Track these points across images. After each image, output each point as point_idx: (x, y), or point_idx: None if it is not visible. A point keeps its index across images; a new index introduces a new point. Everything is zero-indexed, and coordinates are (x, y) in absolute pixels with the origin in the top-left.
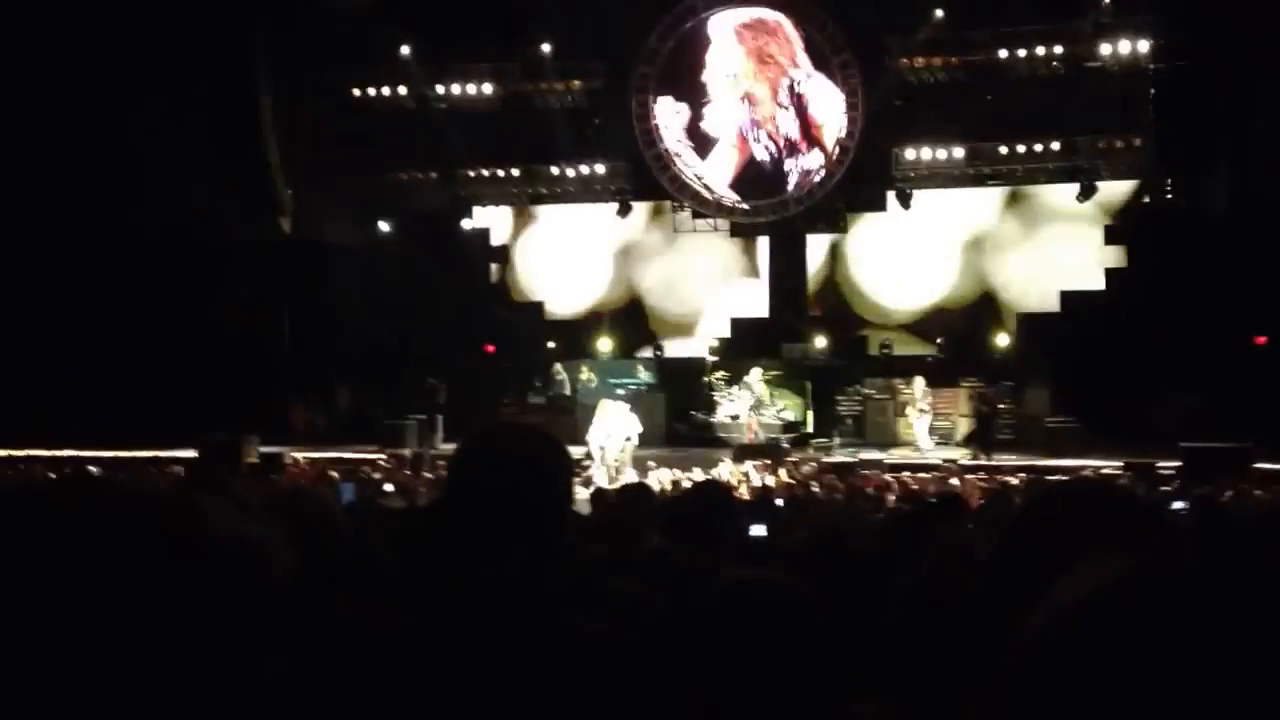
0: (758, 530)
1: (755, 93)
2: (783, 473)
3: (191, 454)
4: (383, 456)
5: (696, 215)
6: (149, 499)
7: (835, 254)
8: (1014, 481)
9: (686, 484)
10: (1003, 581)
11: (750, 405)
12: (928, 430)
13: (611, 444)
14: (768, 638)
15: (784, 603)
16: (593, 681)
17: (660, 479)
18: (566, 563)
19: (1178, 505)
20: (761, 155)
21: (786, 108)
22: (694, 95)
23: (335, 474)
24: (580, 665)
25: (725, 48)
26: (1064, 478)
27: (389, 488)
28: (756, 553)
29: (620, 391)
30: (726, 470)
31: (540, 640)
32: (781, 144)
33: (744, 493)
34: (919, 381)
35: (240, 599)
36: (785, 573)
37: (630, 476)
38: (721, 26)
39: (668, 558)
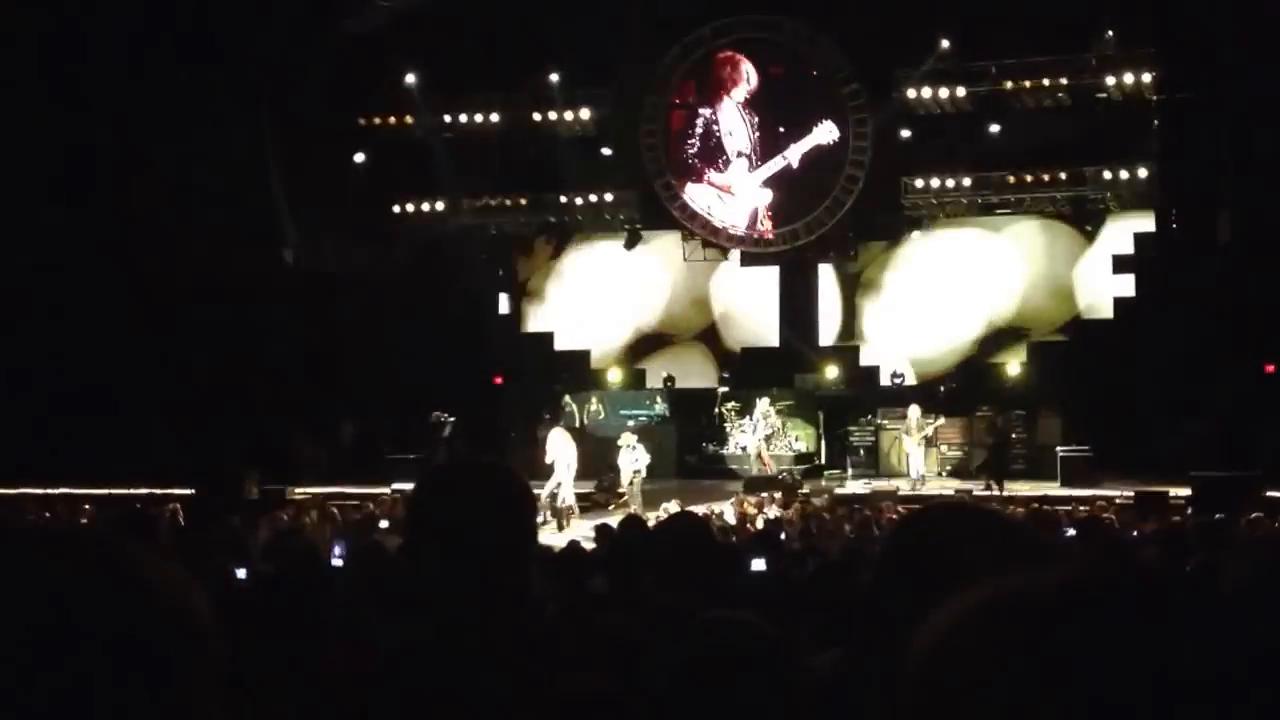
0: (758, 565)
1: (764, 122)
2: (794, 506)
3: (190, 491)
4: (387, 492)
5: (706, 245)
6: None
7: (846, 283)
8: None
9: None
10: (882, 599)
11: (766, 436)
12: (922, 460)
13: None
14: (732, 682)
15: (752, 645)
16: None
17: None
18: (526, 606)
19: (1069, 532)
20: (772, 182)
21: (795, 137)
22: (705, 123)
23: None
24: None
25: (735, 77)
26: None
27: (384, 524)
28: (755, 589)
29: (630, 423)
30: (728, 507)
31: (489, 693)
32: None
33: (758, 524)
34: (914, 410)
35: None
36: (785, 609)
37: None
38: (731, 56)
39: (655, 596)
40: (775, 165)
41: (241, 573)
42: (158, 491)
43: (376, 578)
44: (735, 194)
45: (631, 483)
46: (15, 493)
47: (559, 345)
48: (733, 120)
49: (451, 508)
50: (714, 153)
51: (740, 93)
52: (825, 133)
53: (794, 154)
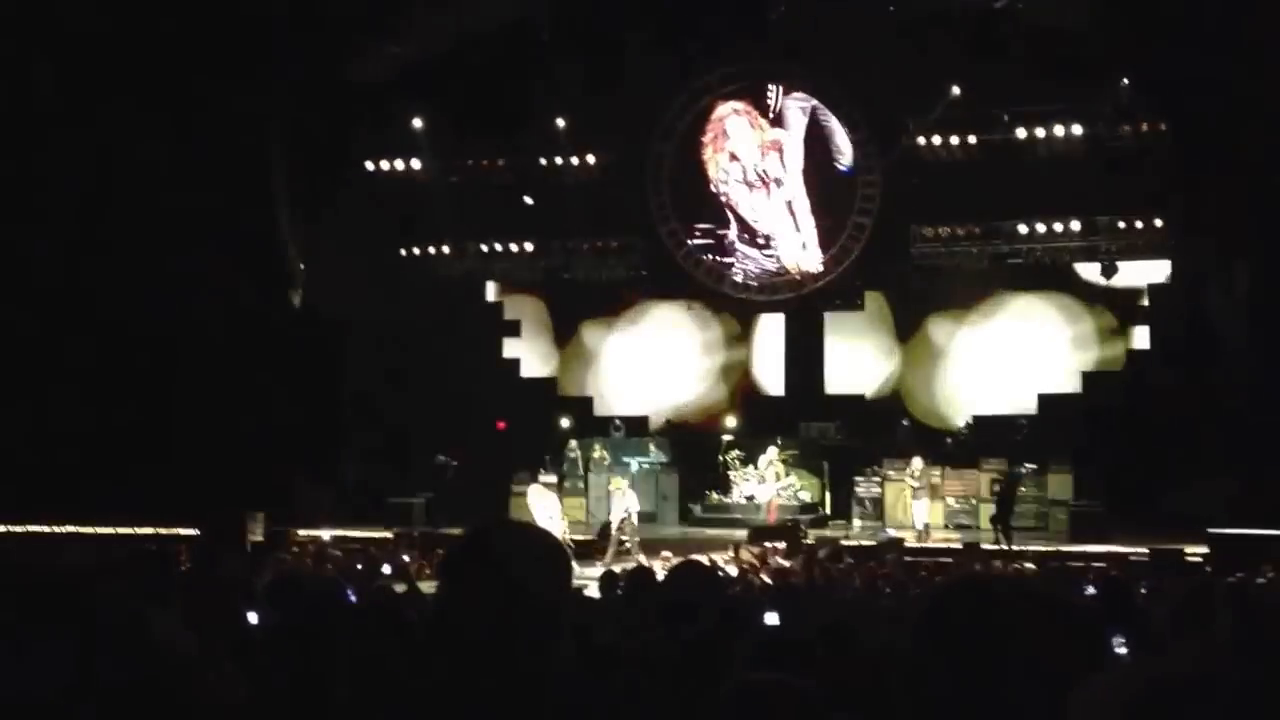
0: (771, 619)
1: (769, 169)
2: (798, 557)
3: (194, 531)
4: (389, 535)
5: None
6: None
7: (853, 332)
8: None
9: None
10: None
11: (780, 487)
12: (926, 511)
13: (613, 523)
14: None
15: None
16: None
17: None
18: (564, 673)
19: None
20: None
21: (802, 184)
22: (713, 171)
23: (338, 553)
24: None
25: (742, 125)
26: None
27: (386, 569)
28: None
29: (627, 463)
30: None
31: None
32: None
33: (762, 576)
34: (916, 461)
35: None
36: (798, 668)
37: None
38: (737, 104)
39: (668, 649)
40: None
41: (253, 617)
42: (163, 531)
43: (388, 626)
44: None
45: (621, 528)
46: (22, 530)
47: (562, 391)
48: (738, 167)
49: (489, 574)
50: (724, 202)
51: (748, 139)
52: (831, 179)
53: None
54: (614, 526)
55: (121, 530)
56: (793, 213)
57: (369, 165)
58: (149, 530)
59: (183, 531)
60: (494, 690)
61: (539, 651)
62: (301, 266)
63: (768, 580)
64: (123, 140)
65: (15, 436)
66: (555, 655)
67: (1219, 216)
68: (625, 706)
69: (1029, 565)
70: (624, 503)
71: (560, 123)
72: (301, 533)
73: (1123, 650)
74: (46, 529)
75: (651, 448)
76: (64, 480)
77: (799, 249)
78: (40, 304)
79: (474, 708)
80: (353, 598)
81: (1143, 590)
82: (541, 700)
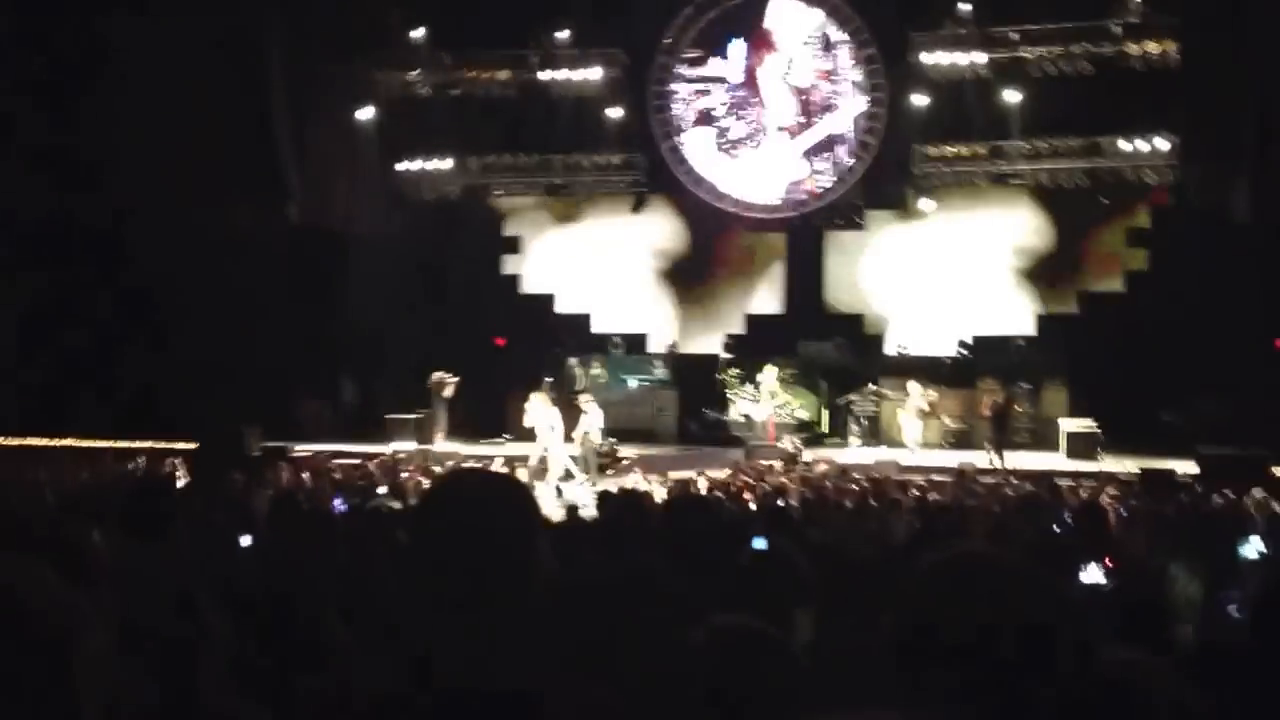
0: (759, 544)
1: (774, 85)
2: (793, 475)
3: (193, 445)
4: (386, 452)
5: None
6: None
7: (854, 251)
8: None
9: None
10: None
11: (772, 406)
12: (919, 432)
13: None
14: (742, 688)
15: (761, 651)
16: None
17: (638, 484)
18: (534, 612)
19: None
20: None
21: (807, 99)
22: (717, 86)
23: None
24: None
25: (746, 40)
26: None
27: (382, 490)
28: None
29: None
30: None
31: (498, 700)
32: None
33: (757, 493)
34: (914, 384)
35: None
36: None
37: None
38: (744, 19)
39: (656, 579)
40: (815, 135)
41: (246, 540)
42: (160, 445)
43: (379, 547)
44: (769, 163)
45: (584, 443)
46: (20, 444)
47: (559, 308)
48: (744, 80)
49: (458, 516)
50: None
51: (752, 55)
52: (857, 104)
53: (829, 124)
54: (579, 444)
55: (120, 444)
56: (790, 129)
57: (369, 79)
58: (147, 444)
59: (181, 445)
60: (471, 624)
61: (510, 592)
62: (299, 180)
63: (762, 498)
64: (119, 53)
65: (14, 354)
66: (527, 593)
67: (1223, 139)
68: (603, 635)
69: (1026, 485)
70: (588, 420)
71: (561, 36)
72: (299, 448)
73: (1099, 579)
74: (45, 443)
75: (651, 366)
76: (61, 395)
77: (795, 163)
78: (37, 223)
79: (454, 635)
80: (346, 512)
81: (1122, 513)
82: (517, 630)
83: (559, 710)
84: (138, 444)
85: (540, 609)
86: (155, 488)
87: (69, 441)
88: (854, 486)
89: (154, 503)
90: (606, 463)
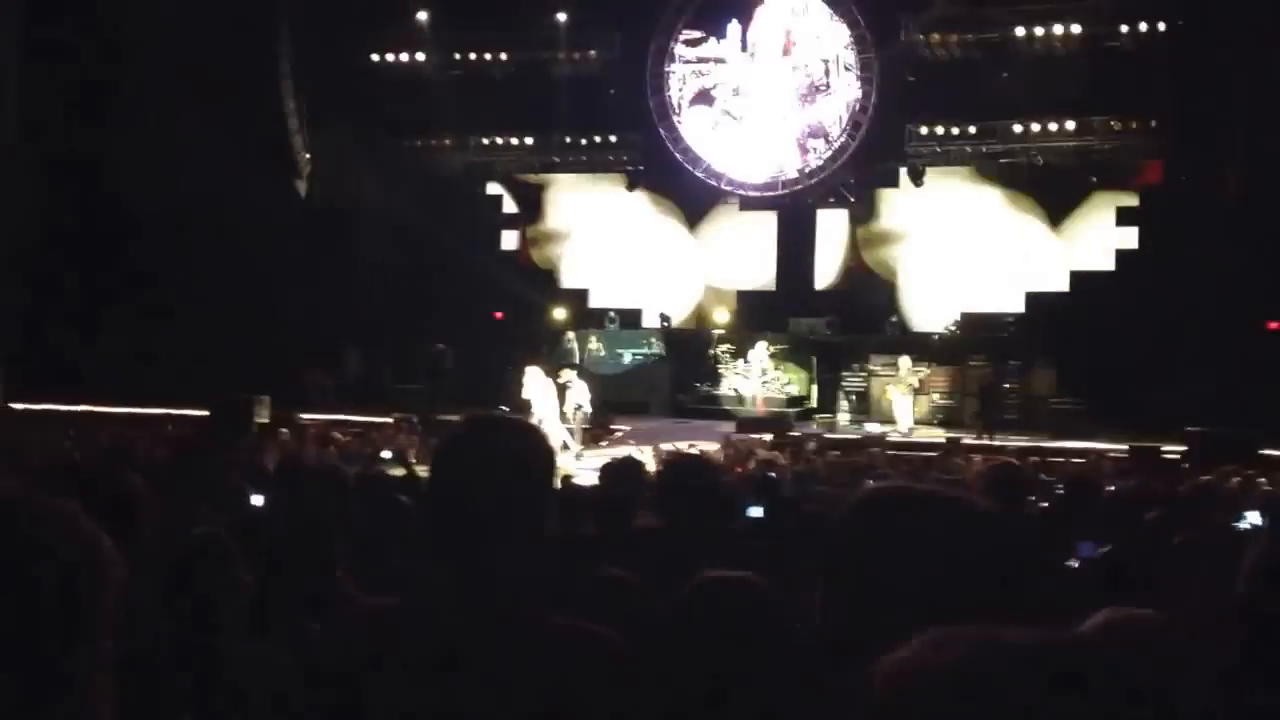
0: (755, 512)
1: (770, 66)
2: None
3: (203, 413)
4: (389, 420)
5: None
6: None
7: (845, 230)
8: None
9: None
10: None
11: (763, 381)
12: (910, 409)
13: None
14: (732, 638)
15: (750, 603)
16: (560, 681)
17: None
18: (546, 555)
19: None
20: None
21: (801, 79)
22: (712, 66)
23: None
24: (549, 664)
25: (743, 21)
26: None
27: (386, 454)
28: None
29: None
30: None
31: (513, 636)
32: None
33: (749, 465)
34: (904, 360)
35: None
36: (780, 558)
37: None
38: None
39: (655, 541)
40: (808, 115)
41: (258, 499)
42: (172, 412)
43: (385, 511)
44: (764, 142)
45: (575, 416)
46: (39, 408)
47: (560, 283)
48: (741, 61)
49: (477, 464)
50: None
51: (747, 35)
52: (849, 84)
53: (823, 104)
54: (569, 416)
55: (133, 409)
56: (784, 110)
57: (374, 58)
58: (159, 411)
59: (191, 412)
60: (480, 571)
61: (523, 532)
62: (308, 157)
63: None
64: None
65: (29, 321)
66: (537, 538)
67: (1212, 119)
68: (603, 586)
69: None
70: (575, 394)
71: (561, 17)
72: (304, 416)
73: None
74: (60, 408)
75: (646, 340)
76: (75, 362)
77: (788, 143)
78: (53, 192)
79: (462, 586)
80: (352, 478)
81: (1110, 488)
82: (524, 578)
83: (565, 635)
84: (148, 410)
85: (548, 553)
86: (202, 447)
87: (82, 407)
88: (842, 460)
89: (201, 461)
90: (600, 434)
